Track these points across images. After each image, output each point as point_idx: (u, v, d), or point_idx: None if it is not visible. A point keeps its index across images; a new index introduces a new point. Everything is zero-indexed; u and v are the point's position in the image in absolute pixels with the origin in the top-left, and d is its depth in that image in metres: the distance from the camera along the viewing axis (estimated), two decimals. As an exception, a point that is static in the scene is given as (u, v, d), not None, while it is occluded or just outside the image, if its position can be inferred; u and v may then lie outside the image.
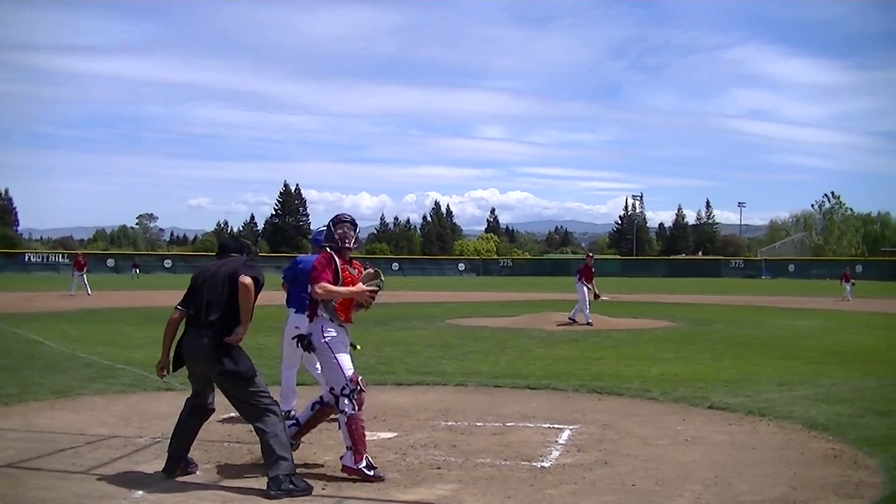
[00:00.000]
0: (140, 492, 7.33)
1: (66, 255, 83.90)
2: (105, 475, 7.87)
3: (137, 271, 77.37)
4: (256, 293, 7.88)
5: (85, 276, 43.91)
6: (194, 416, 8.11)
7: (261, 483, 7.60)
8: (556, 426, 10.34)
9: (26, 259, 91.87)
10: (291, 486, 7.32)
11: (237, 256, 8.46)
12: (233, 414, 10.74)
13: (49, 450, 8.85)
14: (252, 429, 7.83)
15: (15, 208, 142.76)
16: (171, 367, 8.06)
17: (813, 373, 15.30)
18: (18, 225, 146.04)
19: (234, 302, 7.80)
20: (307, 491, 7.36)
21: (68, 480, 7.66)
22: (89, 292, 42.57)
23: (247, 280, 7.78)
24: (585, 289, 26.98)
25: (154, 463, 8.30)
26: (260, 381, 7.86)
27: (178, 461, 7.93)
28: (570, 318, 27.06)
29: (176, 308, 8.07)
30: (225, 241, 9.01)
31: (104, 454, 8.73)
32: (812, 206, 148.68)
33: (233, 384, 7.81)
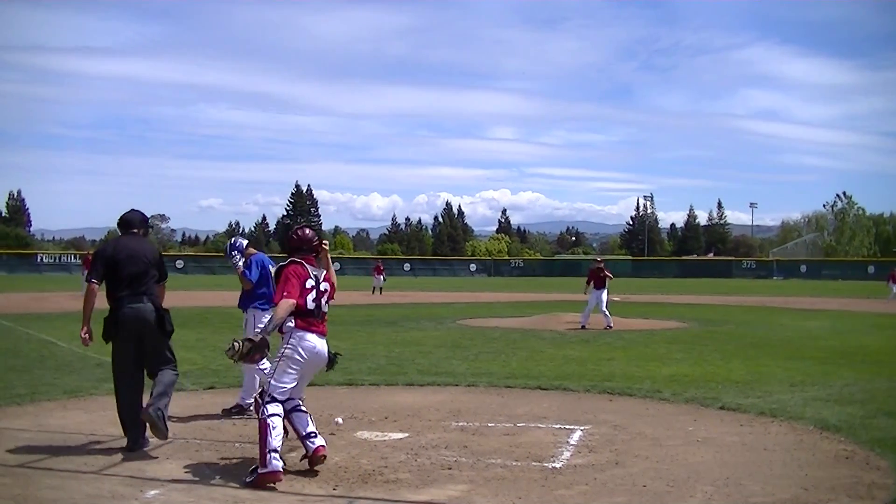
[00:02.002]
0: (152, 491, 7.34)
1: (77, 255, 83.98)
2: (116, 475, 7.90)
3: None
4: None
5: None
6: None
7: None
8: (567, 427, 10.33)
9: (38, 259, 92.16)
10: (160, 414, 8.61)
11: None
12: (244, 414, 10.83)
13: (60, 450, 8.88)
14: None
15: (27, 209, 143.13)
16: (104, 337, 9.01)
17: (824, 374, 15.27)
18: (31, 226, 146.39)
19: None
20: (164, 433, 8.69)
21: (79, 480, 7.68)
22: None
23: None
24: (593, 293, 26.65)
25: (165, 463, 8.33)
26: None
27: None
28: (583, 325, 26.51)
29: (93, 282, 8.96)
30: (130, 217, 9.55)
31: (115, 454, 8.76)
32: (824, 206, 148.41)
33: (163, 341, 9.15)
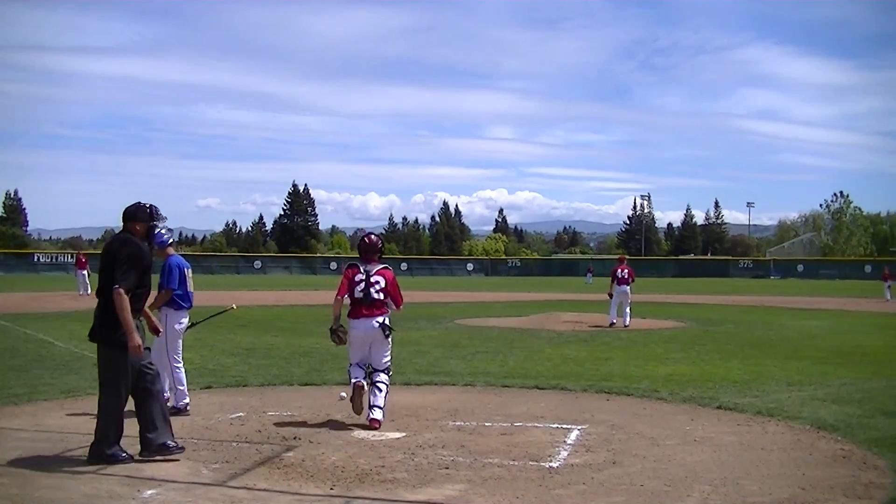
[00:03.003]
0: (149, 491, 7.34)
1: (74, 255, 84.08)
2: (114, 475, 7.89)
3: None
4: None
5: (87, 275, 43.44)
6: None
7: (270, 482, 7.64)
8: (564, 426, 10.34)
9: (35, 259, 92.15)
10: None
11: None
12: (241, 414, 10.84)
13: (58, 449, 8.88)
14: (258, 430, 7.90)
15: (24, 209, 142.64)
16: None
17: (822, 373, 15.28)
18: (28, 225, 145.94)
19: None
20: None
21: (77, 480, 7.68)
22: (89, 292, 42.25)
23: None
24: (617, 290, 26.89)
25: (162, 462, 8.30)
26: None
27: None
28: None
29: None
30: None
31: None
32: (821, 206, 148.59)
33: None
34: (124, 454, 8.34)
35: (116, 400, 8.43)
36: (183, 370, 11.18)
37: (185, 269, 11.19)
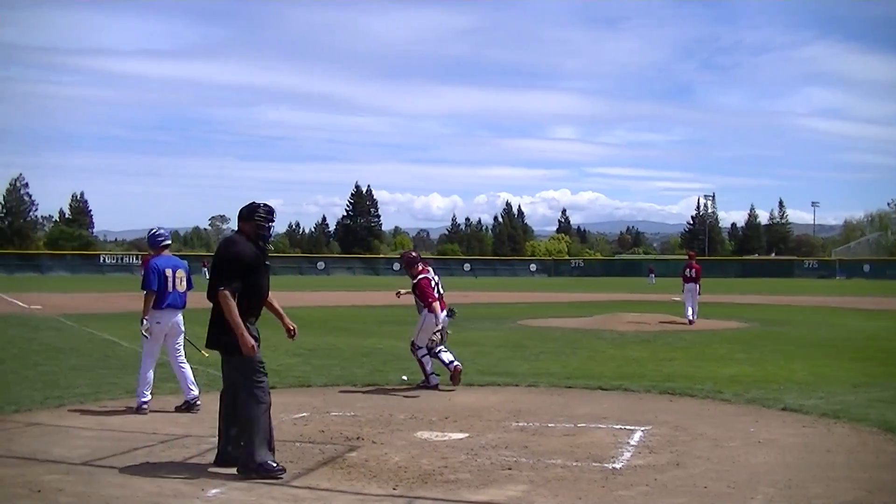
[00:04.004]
0: (213, 490, 7.44)
1: (139, 256, 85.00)
2: (178, 474, 8.00)
3: (207, 271, 77.87)
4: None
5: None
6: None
7: (332, 482, 7.70)
8: (627, 427, 10.31)
9: (101, 260, 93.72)
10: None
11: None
12: (304, 414, 10.92)
13: (123, 448, 9.01)
14: (321, 430, 7.92)
15: (90, 210, 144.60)
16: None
17: (888, 375, 15.09)
18: (93, 227, 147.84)
19: None
20: None
21: (142, 479, 7.79)
22: None
23: None
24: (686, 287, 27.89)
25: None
26: None
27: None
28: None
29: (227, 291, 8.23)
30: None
31: (177, 453, 8.88)
32: (888, 205, 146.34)
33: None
34: (277, 465, 7.98)
35: (258, 406, 8.18)
36: (150, 371, 11.30)
37: (166, 270, 11.27)
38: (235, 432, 8.21)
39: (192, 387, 11.34)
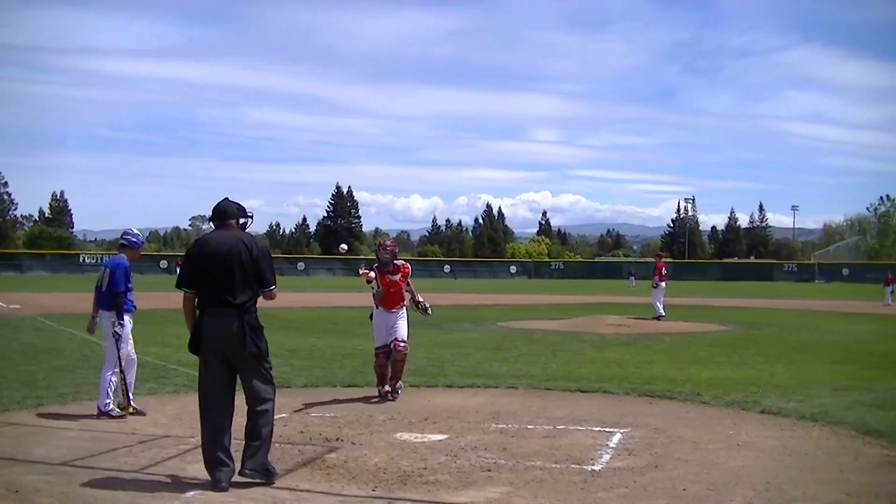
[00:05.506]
0: (192, 492, 7.41)
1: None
2: (157, 475, 7.98)
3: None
4: None
5: None
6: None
7: (312, 483, 7.68)
8: (607, 429, 10.32)
9: (81, 260, 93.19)
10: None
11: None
12: (284, 415, 10.88)
13: (102, 449, 8.99)
14: (301, 431, 7.88)
15: (70, 210, 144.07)
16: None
17: (867, 378, 15.13)
18: (73, 226, 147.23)
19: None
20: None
21: (121, 479, 7.76)
22: None
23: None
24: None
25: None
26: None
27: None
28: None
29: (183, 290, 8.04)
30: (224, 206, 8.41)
31: (156, 454, 8.85)
32: (867, 209, 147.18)
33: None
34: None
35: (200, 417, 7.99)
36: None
37: (106, 270, 11.22)
38: (258, 443, 7.85)
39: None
